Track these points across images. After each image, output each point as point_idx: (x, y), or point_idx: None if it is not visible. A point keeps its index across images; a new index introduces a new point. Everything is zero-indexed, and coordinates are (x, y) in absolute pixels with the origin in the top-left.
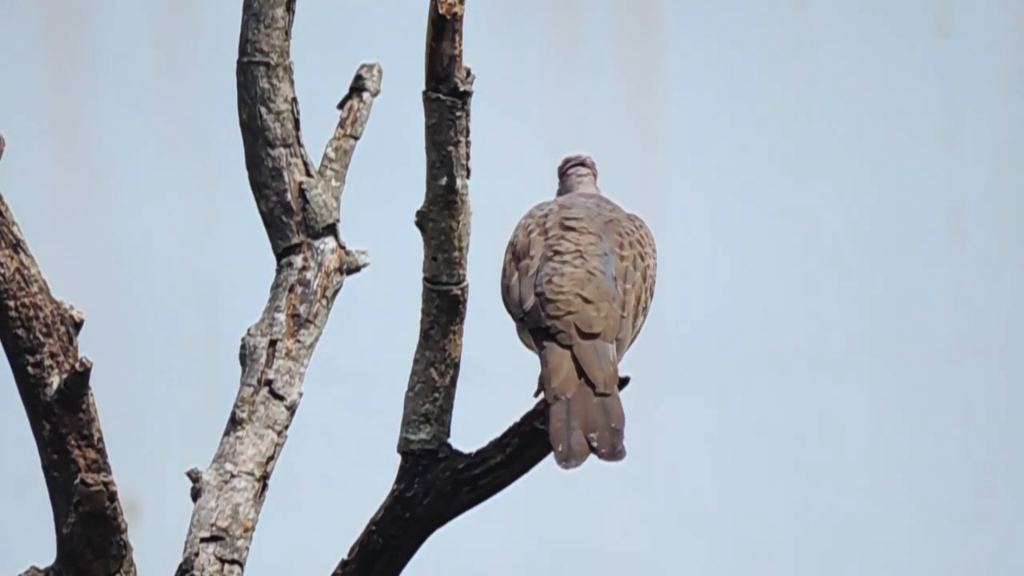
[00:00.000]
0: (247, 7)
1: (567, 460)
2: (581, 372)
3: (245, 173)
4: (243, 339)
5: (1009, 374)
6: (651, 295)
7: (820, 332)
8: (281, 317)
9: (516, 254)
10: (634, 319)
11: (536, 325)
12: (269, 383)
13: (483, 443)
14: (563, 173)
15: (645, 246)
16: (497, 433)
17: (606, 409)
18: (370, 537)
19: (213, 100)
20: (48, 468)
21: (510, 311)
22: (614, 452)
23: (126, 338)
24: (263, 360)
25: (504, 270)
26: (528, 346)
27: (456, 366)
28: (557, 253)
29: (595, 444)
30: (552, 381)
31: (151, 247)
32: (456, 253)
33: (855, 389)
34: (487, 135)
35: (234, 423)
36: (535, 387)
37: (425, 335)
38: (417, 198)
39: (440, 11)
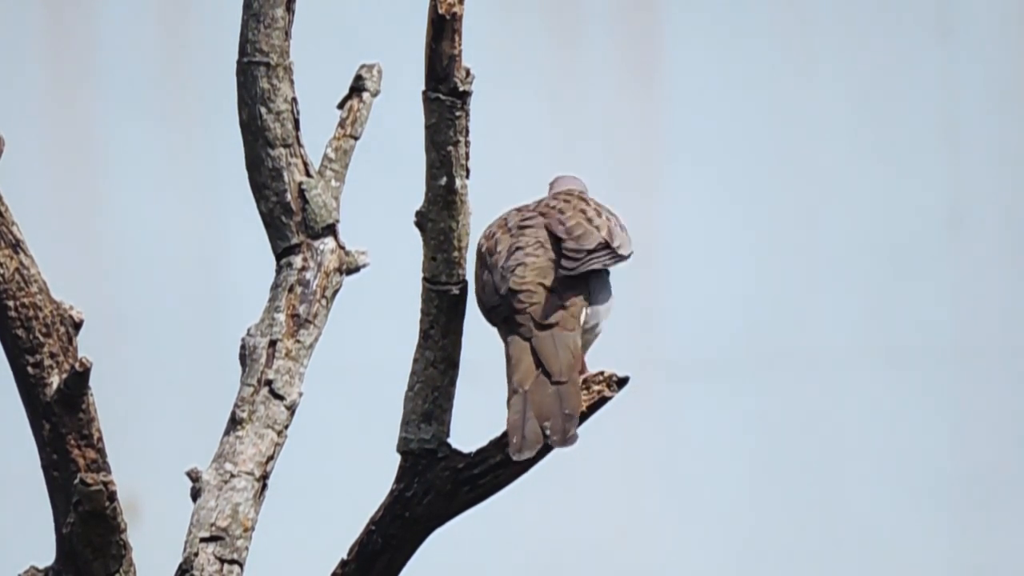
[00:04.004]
0: (247, 7)
1: (520, 451)
2: (539, 363)
3: (245, 173)
4: (243, 339)
5: (1009, 374)
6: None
7: (819, 331)
8: (281, 317)
9: (483, 255)
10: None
11: (506, 315)
12: (269, 383)
13: (483, 443)
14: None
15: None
16: (497, 433)
17: (561, 396)
18: (370, 537)
19: (213, 100)
20: (48, 468)
21: (486, 303)
22: (565, 438)
23: (126, 338)
24: (263, 360)
25: (476, 275)
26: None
27: (456, 366)
28: (519, 249)
29: (548, 432)
30: (513, 374)
31: (151, 247)
32: (456, 253)
33: (854, 388)
34: (487, 135)
35: (234, 423)
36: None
37: (425, 335)
38: (417, 198)
39: (440, 11)
